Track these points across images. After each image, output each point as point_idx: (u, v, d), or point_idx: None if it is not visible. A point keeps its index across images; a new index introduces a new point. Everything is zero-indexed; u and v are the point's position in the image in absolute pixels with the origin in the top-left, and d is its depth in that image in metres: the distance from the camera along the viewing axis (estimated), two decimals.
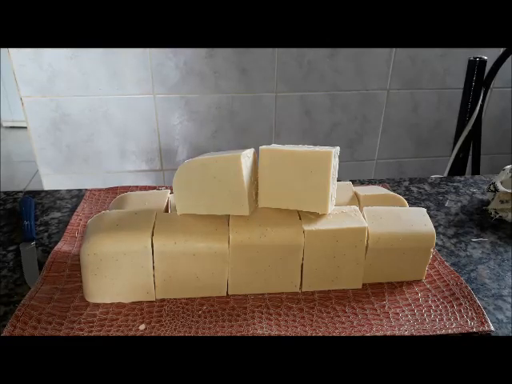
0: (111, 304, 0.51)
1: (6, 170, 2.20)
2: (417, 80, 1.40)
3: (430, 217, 0.56)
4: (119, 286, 0.50)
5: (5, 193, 0.74)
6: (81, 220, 0.66)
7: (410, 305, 0.51)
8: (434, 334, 0.47)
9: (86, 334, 0.46)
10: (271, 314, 0.50)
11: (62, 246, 0.59)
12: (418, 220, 0.54)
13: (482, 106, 1.07)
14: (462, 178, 0.83)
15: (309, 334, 0.47)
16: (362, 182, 0.79)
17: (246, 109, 1.36)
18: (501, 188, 0.68)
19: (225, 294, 0.53)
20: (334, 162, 0.50)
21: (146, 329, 0.47)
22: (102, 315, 0.49)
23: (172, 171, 1.40)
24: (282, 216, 0.52)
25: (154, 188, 0.74)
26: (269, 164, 0.51)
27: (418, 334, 0.47)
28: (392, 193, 0.62)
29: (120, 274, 0.50)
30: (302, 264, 0.52)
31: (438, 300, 0.52)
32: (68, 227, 0.64)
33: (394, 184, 0.80)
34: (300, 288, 0.53)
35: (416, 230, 0.53)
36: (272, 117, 1.38)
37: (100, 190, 0.74)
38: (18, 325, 0.46)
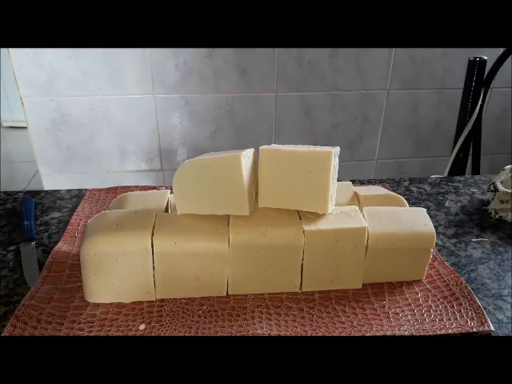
0: (111, 304, 0.51)
1: (6, 170, 2.20)
2: (417, 80, 1.40)
3: (430, 217, 0.56)
4: (119, 286, 0.50)
5: (5, 193, 0.74)
6: (81, 220, 0.66)
7: (410, 305, 0.51)
8: (434, 334, 0.47)
9: (86, 334, 0.46)
10: (271, 314, 0.50)
11: (62, 246, 0.59)
12: (417, 220, 0.54)
13: (481, 106, 1.07)
14: (462, 178, 0.83)
15: (309, 334, 0.47)
16: (362, 182, 0.79)
17: (246, 109, 1.36)
18: (501, 188, 0.68)
19: (225, 294, 0.53)
20: (334, 162, 0.50)
21: (145, 329, 0.47)
22: (102, 315, 0.49)
23: (172, 171, 1.40)
24: (282, 216, 0.52)
25: (154, 188, 0.74)
26: (269, 164, 0.51)
27: (418, 334, 0.47)
28: (392, 193, 0.62)
29: (120, 274, 0.50)
30: (302, 264, 0.52)
31: (438, 300, 0.52)
32: (68, 227, 0.64)
33: (393, 184, 0.80)
34: (300, 288, 0.53)
35: (416, 229, 0.53)
36: (272, 117, 1.38)
37: (100, 189, 0.74)
38: (18, 325, 0.46)
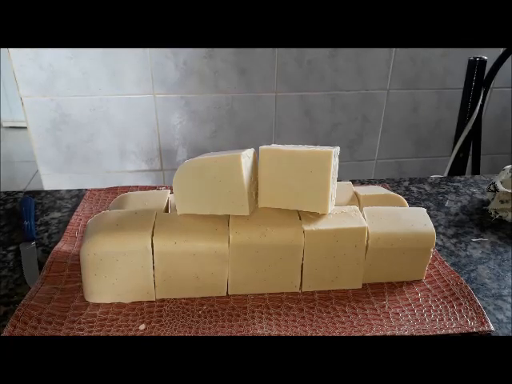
0: (111, 304, 0.51)
1: (6, 170, 2.20)
2: (417, 80, 1.40)
3: (430, 217, 0.56)
4: (119, 286, 0.50)
5: (5, 193, 0.74)
6: (81, 220, 0.66)
7: (410, 305, 0.51)
8: (434, 334, 0.47)
9: (86, 334, 0.46)
10: (271, 313, 0.50)
11: (62, 246, 0.59)
12: (418, 220, 0.54)
13: (481, 106, 1.07)
14: (462, 178, 0.83)
15: (309, 334, 0.47)
16: (362, 182, 0.79)
17: (246, 109, 1.36)
18: (501, 188, 0.68)
19: (225, 294, 0.53)
20: (334, 162, 0.50)
21: (145, 329, 0.47)
22: (102, 315, 0.49)
23: (172, 171, 1.40)
24: (282, 216, 0.52)
25: (154, 188, 0.74)
26: (269, 164, 0.51)
27: (418, 334, 0.47)
28: (392, 193, 0.62)
29: (120, 274, 0.50)
30: (302, 264, 0.52)
31: (438, 300, 0.52)
32: (68, 227, 0.64)
33: (393, 184, 0.80)
34: (300, 288, 0.53)
35: (416, 229, 0.53)
36: (272, 117, 1.38)
37: (100, 189, 0.74)
38: (18, 325, 0.46)
